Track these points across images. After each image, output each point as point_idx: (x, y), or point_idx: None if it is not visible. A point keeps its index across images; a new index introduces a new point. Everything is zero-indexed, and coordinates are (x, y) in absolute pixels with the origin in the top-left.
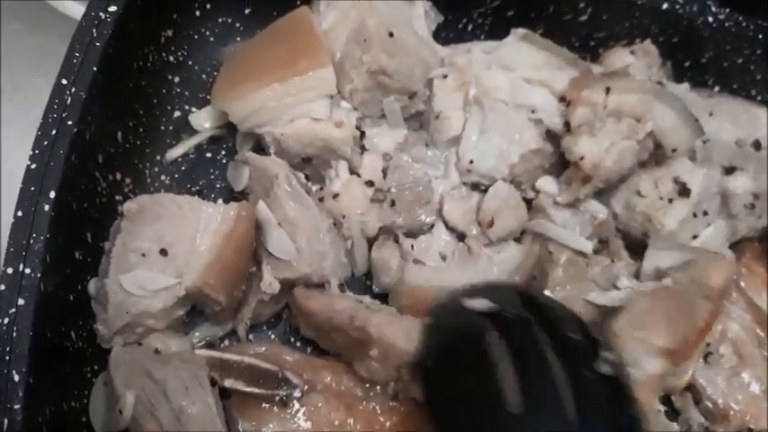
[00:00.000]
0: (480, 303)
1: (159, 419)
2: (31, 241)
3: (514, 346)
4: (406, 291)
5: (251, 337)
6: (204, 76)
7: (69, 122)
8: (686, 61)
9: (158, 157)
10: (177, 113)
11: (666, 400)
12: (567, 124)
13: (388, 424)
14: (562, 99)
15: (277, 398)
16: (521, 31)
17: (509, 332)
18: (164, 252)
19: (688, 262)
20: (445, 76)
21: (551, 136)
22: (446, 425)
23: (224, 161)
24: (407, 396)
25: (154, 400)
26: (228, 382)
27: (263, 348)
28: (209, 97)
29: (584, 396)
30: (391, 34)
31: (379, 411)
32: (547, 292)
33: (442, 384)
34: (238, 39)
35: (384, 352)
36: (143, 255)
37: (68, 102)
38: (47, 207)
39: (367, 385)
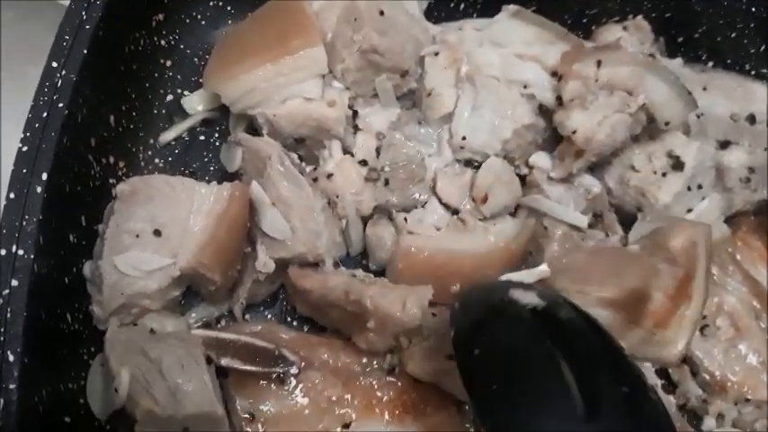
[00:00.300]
0: (529, 297)
1: (155, 397)
2: (24, 223)
3: (573, 351)
4: (402, 254)
5: (247, 317)
6: (196, 59)
7: (60, 105)
8: (679, 36)
9: (151, 141)
10: (170, 97)
11: (664, 373)
12: (559, 98)
13: (385, 399)
14: (554, 74)
15: (274, 375)
16: (512, 7)
17: (563, 334)
18: (157, 233)
19: (656, 229)
20: (437, 54)
21: (544, 111)
22: (499, 422)
23: (217, 144)
24: (404, 370)
25: (149, 378)
26: (225, 361)
27: (260, 327)
28: (201, 81)
29: (646, 413)
30: (382, 13)
31: (376, 386)
32: (543, 267)
33: (491, 377)
34: (230, 22)
35: (381, 322)
36: (137, 236)
37: (59, 84)
38: (39, 189)
39: (364, 360)
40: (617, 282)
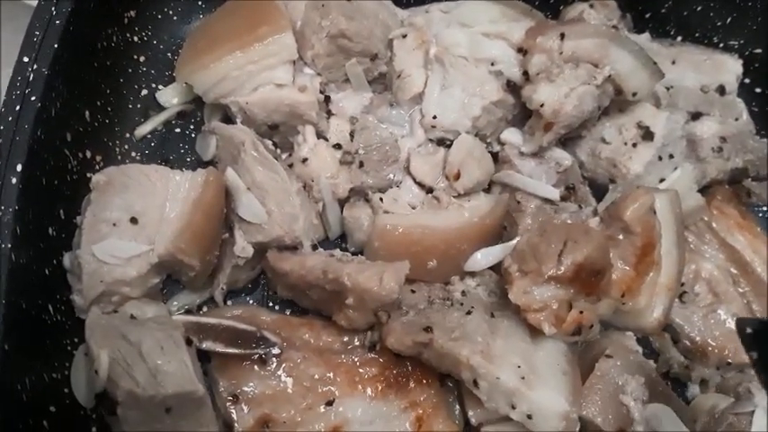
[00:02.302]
0: None
1: (136, 378)
2: (0, 213)
3: None
4: (378, 232)
5: (229, 302)
6: (169, 54)
7: (33, 98)
8: (646, 12)
9: (128, 135)
10: (144, 91)
11: (645, 341)
12: (525, 73)
13: (367, 375)
14: (520, 49)
15: (256, 356)
16: None
17: None
18: (134, 221)
19: (613, 201)
20: (404, 36)
21: (512, 87)
22: None
23: (193, 135)
24: (385, 346)
25: (130, 361)
26: (207, 345)
27: (240, 311)
28: (174, 74)
29: None
30: None
31: (358, 363)
32: (513, 242)
33: None
34: (201, 16)
35: (359, 298)
36: (114, 224)
37: (31, 78)
38: (14, 180)
39: (345, 338)
40: (565, 258)
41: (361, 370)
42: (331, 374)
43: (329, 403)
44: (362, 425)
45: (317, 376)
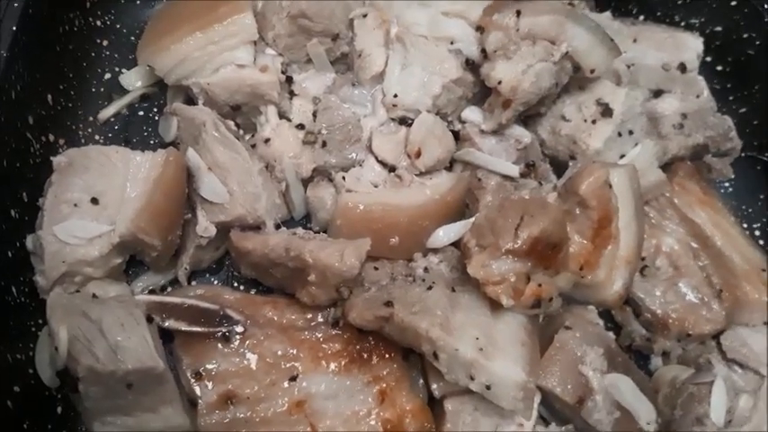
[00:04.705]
0: None
1: (96, 354)
2: None
3: None
4: (340, 210)
5: (194, 283)
6: (132, 38)
7: None
8: None
9: (91, 118)
10: (107, 75)
11: (607, 315)
12: (483, 51)
13: (330, 351)
14: (479, 28)
15: (219, 334)
16: None
17: None
18: (95, 201)
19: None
20: (365, 16)
21: (472, 66)
22: None
23: (156, 118)
24: (349, 322)
25: (90, 337)
26: (170, 323)
27: (204, 290)
28: (137, 57)
29: None
30: None
31: (322, 340)
32: (471, 219)
33: None
34: (164, 0)
35: (321, 275)
36: (75, 205)
37: None
38: None
39: (309, 315)
40: (521, 232)
41: (324, 346)
42: (294, 351)
43: (293, 379)
44: (326, 399)
45: (280, 353)
